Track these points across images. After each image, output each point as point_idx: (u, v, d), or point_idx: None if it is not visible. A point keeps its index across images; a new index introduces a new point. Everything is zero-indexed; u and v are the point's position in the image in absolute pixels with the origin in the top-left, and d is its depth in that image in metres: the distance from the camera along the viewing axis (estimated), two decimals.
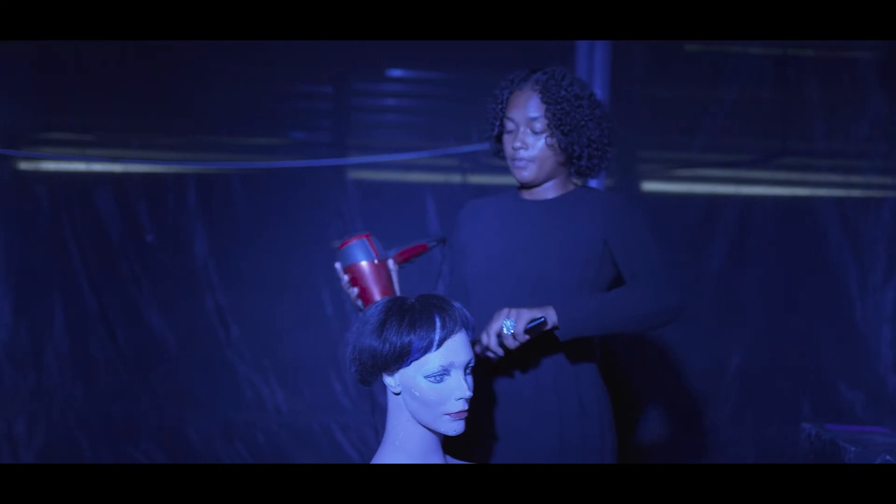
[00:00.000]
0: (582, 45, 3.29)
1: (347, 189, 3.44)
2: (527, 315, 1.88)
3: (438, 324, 1.62)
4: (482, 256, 2.13)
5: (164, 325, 3.44)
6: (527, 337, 1.88)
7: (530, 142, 2.08)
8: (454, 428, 1.65)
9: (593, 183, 2.94)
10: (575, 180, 2.20)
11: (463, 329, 1.66)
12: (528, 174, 2.10)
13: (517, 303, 1.96)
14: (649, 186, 3.49)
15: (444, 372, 1.63)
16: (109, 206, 3.48)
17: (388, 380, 1.67)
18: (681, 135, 3.39)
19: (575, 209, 2.11)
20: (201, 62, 3.41)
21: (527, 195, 2.17)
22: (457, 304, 1.68)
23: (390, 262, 2.09)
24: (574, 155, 2.10)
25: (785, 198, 3.44)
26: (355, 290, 2.06)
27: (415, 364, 1.63)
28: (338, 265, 2.08)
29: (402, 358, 1.62)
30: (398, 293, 2.06)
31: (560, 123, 2.06)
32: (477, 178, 3.42)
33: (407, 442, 1.67)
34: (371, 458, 1.72)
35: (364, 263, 2.05)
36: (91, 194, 3.48)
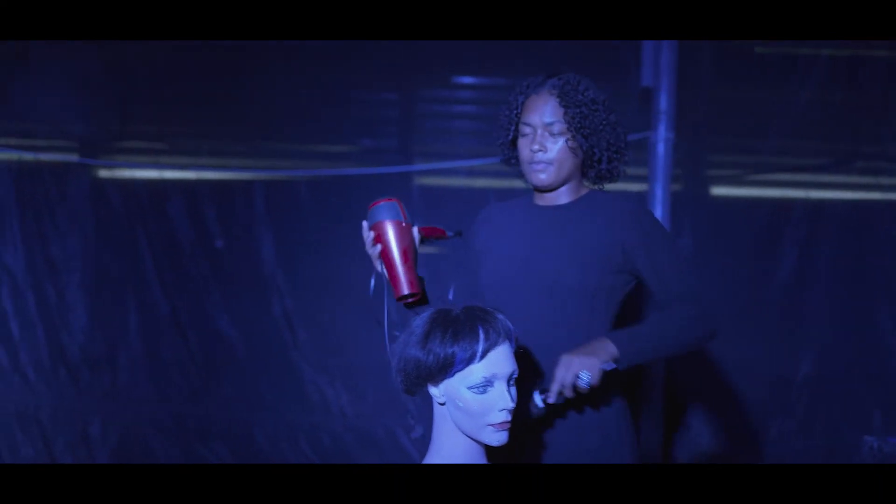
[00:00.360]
0: (647, 46, 3.27)
1: (413, 195, 3.46)
2: (598, 365, 1.85)
3: (482, 335, 1.64)
4: (497, 262, 2.12)
5: (232, 329, 3.51)
6: (594, 385, 1.86)
7: (549, 145, 2.06)
8: (497, 438, 1.66)
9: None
10: (587, 183, 2.17)
11: (507, 341, 1.67)
12: (545, 177, 2.07)
13: (532, 308, 1.98)
14: (718, 191, 3.44)
15: (488, 383, 1.64)
16: (181, 213, 3.57)
17: (433, 390, 1.69)
18: (750, 138, 3.34)
19: (590, 213, 2.09)
20: (270, 70, 3.48)
21: (540, 200, 2.15)
22: (500, 316, 1.69)
23: (415, 230, 2.08)
24: (595, 158, 2.09)
25: (856, 202, 3.36)
26: (378, 249, 2.05)
27: (458, 375, 1.65)
28: (364, 224, 2.06)
29: (445, 369, 1.64)
30: (417, 261, 2.06)
31: (580, 126, 2.05)
32: None
33: (452, 451, 1.70)
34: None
35: (391, 223, 2.04)
36: (163, 201, 3.58)
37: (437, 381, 1.67)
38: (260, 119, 3.52)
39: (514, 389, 1.68)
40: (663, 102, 3.29)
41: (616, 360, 1.89)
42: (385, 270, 2.05)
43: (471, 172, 3.41)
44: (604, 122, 2.08)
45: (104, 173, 3.63)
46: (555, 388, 1.85)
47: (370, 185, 3.46)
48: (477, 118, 3.53)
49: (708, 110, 3.35)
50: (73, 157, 3.66)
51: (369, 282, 2.08)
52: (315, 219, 3.52)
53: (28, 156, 3.65)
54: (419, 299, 2.02)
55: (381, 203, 2.06)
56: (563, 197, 2.12)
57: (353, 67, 3.36)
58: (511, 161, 2.19)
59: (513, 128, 2.12)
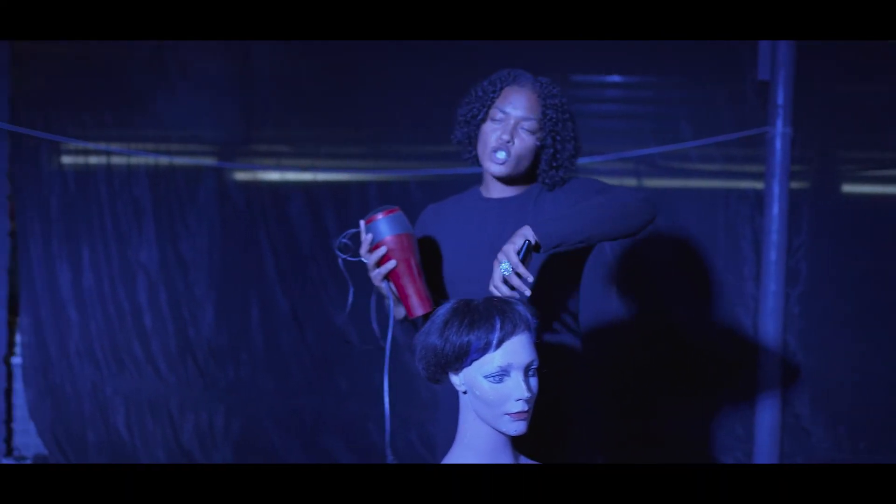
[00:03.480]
0: (764, 42, 3.20)
1: None
2: (510, 247, 1.82)
3: (498, 325, 1.65)
4: (453, 257, 2.12)
5: (348, 325, 3.57)
6: (524, 268, 1.80)
7: (518, 139, 2.07)
8: (515, 428, 1.67)
9: None
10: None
11: (526, 331, 1.68)
12: (506, 168, 2.07)
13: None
14: (838, 188, 3.32)
15: (504, 372, 1.65)
16: (300, 213, 3.69)
17: (454, 379, 1.72)
18: (872, 132, 3.23)
19: (538, 202, 2.10)
20: (386, 72, 3.56)
21: (485, 192, 2.16)
22: (519, 307, 1.70)
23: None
24: (554, 164, 2.10)
25: None
26: (389, 266, 1.93)
27: (476, 364, 1.67)
28: (369, 237, 1.94)
29: (461, 357, 1.67)
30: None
31: (552, 130, 2.08)
32: (652, 182, 3.37)
33: (475, 440, 1.71)
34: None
35: (404, 236, 1.94)
36: (284, 202, 3.71)
37: (455, 369, 1.70)
38: (375, 120, 3.61)
39: (533, 380, 1.69)
40: (780, 96, 3.21)
41: (538, 242, 1.84)
42: (394, 288, 1.96)
43: (581, 170, 3.40)
44: (571, 133, 2.11)
45: (230, 175, 3.79)
46: (492, 291, 1.81)
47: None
48: (587, 116, 3.51)
49: (827, 104, 3.24)
50: (204, 161, 3.83)
51: (347, 301, 2.04)
52: None
53: (163, 159, 3.85)
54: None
55: (389, 214, 1.95)
56: (512, 190, 2.14)
57: (464, 66, 3.39)
58: (464, 142, 2.17)
59: (485, 110, 2.10)
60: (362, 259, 1.98)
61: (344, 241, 2.02)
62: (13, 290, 4.16)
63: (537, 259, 1.99)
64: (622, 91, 3.46)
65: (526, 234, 1.84)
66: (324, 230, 3.65)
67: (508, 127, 2.08)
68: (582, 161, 3.36)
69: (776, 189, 3.23)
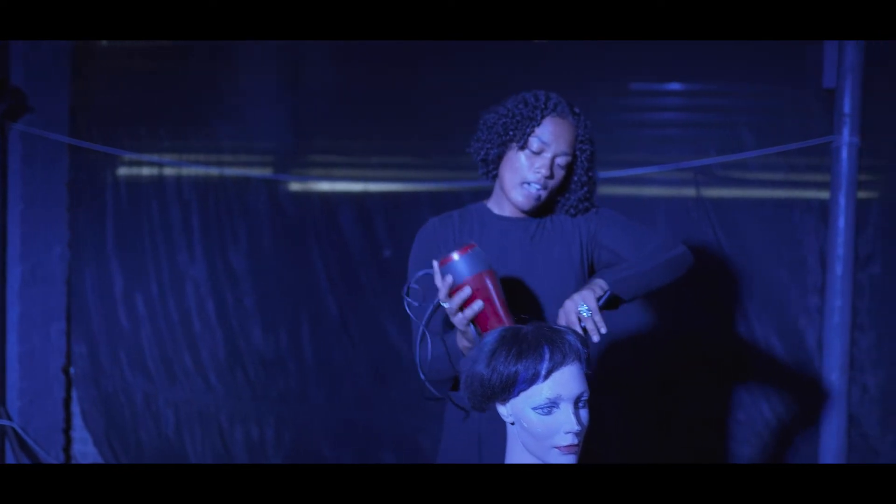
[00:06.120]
0: (830, 46, 3.09)
1: None
2: (591, 294, 1.84)
3: (547, 355, 1.59)
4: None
5: (399, 337, 3.56)
6: (600, 316, 1.83)
7: (556, 174, 2.03)
8: (564, 461, 1.60)
9: None
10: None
11: (576, 361, 1.61)
12: (535, 204, 2.04)
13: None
14: None
15: (553, 404, 1.59)
16: (351, 223, 3.67)
17: (501, 409, 1.65)
18: None
19: (555, 222, 2.10)
20: (436, 79, 3.53)
21: (497, 209, 2.12)
22: (570, 337, 1.63)
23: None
24: (577, 195, 2.08)
25: None
26: (476, 307, 1.80)
27: (523, 395, 1.60)
28: (449, 279, 1.79)
29: (508, 388, 1.60)
30: None
31: (583, 164, 2.06)
32: (711, 192, 3.28)
33: None
34: None
35: (488, 273, 1.81)
36: (335, 212, 3.69)
37: (502, 399, 1.63)
38: (427, 129, 3.57)
39: (584, 412, 1.61)
40: (847, 105, 3.09)
41: (612, 293, 1.91)
42: (479, 329, 1.83)
43: (637, 180, 3.33)
44: (595, 164, 2.10)
45: (281, 186, 3.80)
46: (562, 324, 1.82)
47: None
48: (645, 125, 3.43)
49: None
50: (253, 172, 3.84)
51: (417, 351, 1.86)
52: None
53: (214, 171, 3.88)
54: None
55: (467, 252, 1.80)
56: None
57: (521, 72, 3.34)
58: (490, 164, 2.09)
59: (524, 138, 2.01)
60: (442, 305, 1.83)
61: (413, 286, 1.89)
62: (70, 301, 4.21)
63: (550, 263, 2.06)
64: (682, 99, 3.37)
65: (603, 285, 1.90)
66: (375, 240, 3.63)
67: (547, 162, 2.02)
68: (640, 171, 3.30)
69: (842, 201, 3.11)
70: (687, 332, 3.26)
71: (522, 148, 2.02)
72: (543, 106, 2.03)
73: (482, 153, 2.10)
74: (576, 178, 2.06)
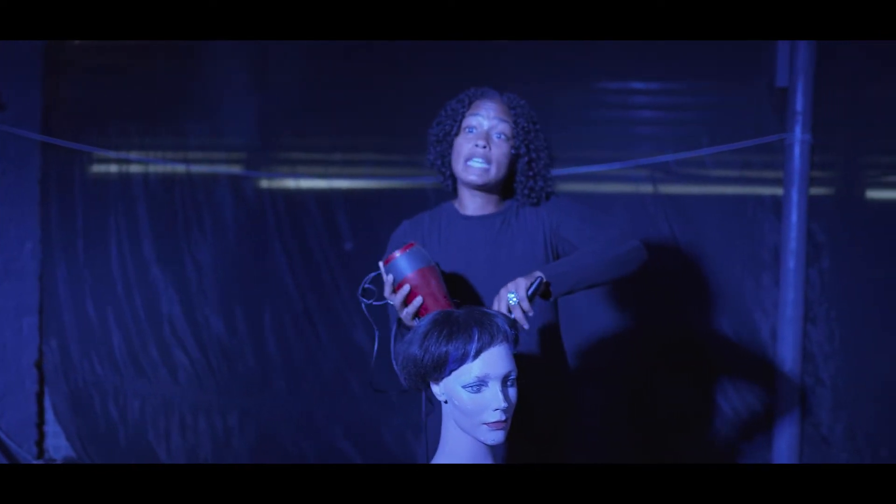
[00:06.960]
0: (782, 45, 3.15)
1: None
2: (523, 282, 1.86)
3: (476, 336, 1.67)
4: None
5: (361, 330, 3.60)
6: (529, 304, 1.86)
7: (494, 143, 2.07)
8: (492, 437, 1.68)
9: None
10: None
11: (504, 342, 1.69)
12: (485, 176, 2.08)
13: None
14: (857, 194, 3.26)
15: (482, 383, 1.67)
16: (315, 219, 3.70)
17: (435, 388, 1.74)
18: (892, 138, 3.16)
19: (520, 217, 2.13)
20: (399, 78, 3.56)
21: (461, 209, 2.16)
22: (498, 319, 1.71)
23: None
24: (530, 174, 2.11)
25: None
26: (418, 303, 1.90)
27: (454, 374, 1.69)
28: (390, 277, 1.91)
29: (439, 367, 1.69)
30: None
31: (525, 139, 2.09)
32: (667, 189, 3.34)
33: (456, 448, 1.73)
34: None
35: (428, 269, 1.91)
36: (299, 208, 3.72)
37: (435, 379, 1.72)
38: (390, 127, 3.61)
39: (512, 390, 1.70)
40: (799, 103, 3.16)
41: (548, 283, 1.91)
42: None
43: (594, 177, 3.38)
44: (543, 145, 2.12)
45: (246, 182, 3.82)
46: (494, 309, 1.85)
47: None
48: (612, 123, 3.48)
49: (847, 110, 3.18)
50: (219, 168, 3.87)
51: (373, 348, 2.00)
52: None
53: (180, 167, 3.91)
54: None
55: (406, 251, 1.91)
56: (489, 207, 2.14)
57: (484, 71, 3.37)
58: (438, 161, 2.17)
59: (457, 125, 2.10)
60: (388, 301, 1.95)
61: (367, 286, 2.00)
62: (43, 296, 4.24)
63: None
64: (640, 98, 3.42)
65: (540, 275, 1.90)
66: (339, 236, 3.67)
67: (482, 134, 2.08)
68: (598, 168, 3.35)
69: (795, 196, 3.18)
70: (643, 327, 3.32)
71: (458, 134, 2.11)
72: (470, 95, 2.14)
73: (437, 163, 2.19)
74: (525, 160, 2.11)
